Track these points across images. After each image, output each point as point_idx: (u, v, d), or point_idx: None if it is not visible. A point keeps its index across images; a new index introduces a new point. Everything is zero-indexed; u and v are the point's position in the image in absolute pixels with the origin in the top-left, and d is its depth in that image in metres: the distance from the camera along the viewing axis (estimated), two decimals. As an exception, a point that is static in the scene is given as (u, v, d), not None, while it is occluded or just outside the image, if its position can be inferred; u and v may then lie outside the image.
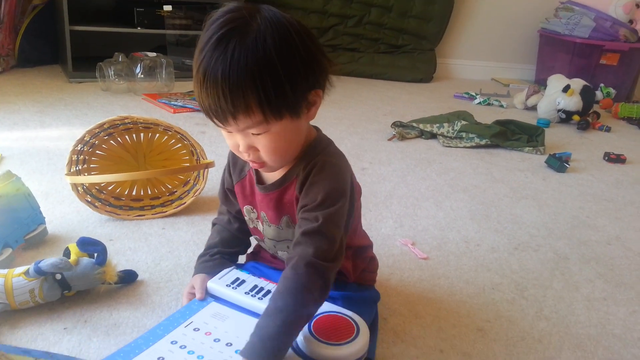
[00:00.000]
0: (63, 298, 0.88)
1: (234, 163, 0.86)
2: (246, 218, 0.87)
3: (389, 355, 0.84)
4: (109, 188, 1.26)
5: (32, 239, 1.04)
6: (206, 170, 1.27)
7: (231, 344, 0.73)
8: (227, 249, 0.91)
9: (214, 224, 0.96)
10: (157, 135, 1.30)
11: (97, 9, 2.83)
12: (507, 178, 1.75)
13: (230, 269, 0.86)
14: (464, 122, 2.12)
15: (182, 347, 0.72)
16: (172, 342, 0.73)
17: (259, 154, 0.72)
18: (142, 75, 2.41)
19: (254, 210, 0.85)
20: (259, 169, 0.77)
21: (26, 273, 0.83)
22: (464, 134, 2.08)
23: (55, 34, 2.70)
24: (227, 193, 0.90)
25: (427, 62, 3.46)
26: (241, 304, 0.80)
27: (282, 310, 0.68)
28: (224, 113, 0.66)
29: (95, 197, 1.22)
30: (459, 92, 3.10)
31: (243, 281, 0.83)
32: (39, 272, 0.83)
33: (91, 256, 0.90)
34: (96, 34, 2.59)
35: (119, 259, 1.03)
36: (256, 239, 0.91)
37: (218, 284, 0.82)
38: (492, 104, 2.93)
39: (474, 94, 3.04)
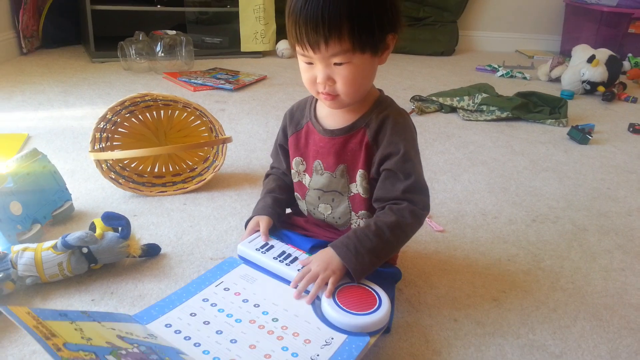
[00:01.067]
0: (90, 271, 0.92)
1: (291, 118, 0.92)
2: (293, 171, 0.92)
3: (404, 324, 0.86)
4: (132, 165, 1.30)
5: (59, 215, 1.08)
6: (225, 146, 1.30)
7: (258, 305, 0.76)
8: (283, 195, 0.96)
9: (267, 175, 1.01)
10: (177, 112, 1.32)
11: (117, -12, 2.85)
12: (528, 150, 1.74)
13: (258, 234, 0.89)
14: (484, 95, 2.10)
15: (213, 304, 0.76)
16: (203, 300, 0.76)
17: (335, 86, 0.78)
18: (162, 54, 2.43)
19: (304, 162, 0.89)
20: (330, 102, 0.81)
21: (54, 247, 0.87)
22: (484, 107, 2.06)
23: (78, 14, 2.73)
24: (278, 150, 0.96)
25: (448, 35, 3.41)
26: (269, 268, 0.83)
27: (379, 236, 0.78)
28: (318, 38, 0.73)
29: (119, 174, 1.25)
30: (481, 65, 3.05)
31: (272, 246, 0.85)
32: (67, 245, 0.87)
33: (115, 230, 0.93)
34: (117, 13, 2.62)
35: (143, 234, 1.06)
36: (297, 197, 0.94)
37: (248, 247, 0.85)
38: (515, 76, 2.88)
39: (496, 66, 2.99)
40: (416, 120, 1.97)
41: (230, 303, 0.76)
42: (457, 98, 2.11)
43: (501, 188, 1.44)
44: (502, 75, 2.88)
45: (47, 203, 1.05)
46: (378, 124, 0.82)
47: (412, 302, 0.93)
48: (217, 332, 0.70)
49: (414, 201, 0.81)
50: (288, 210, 1.01)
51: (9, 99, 1.87)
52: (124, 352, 0.59)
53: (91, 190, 1.24)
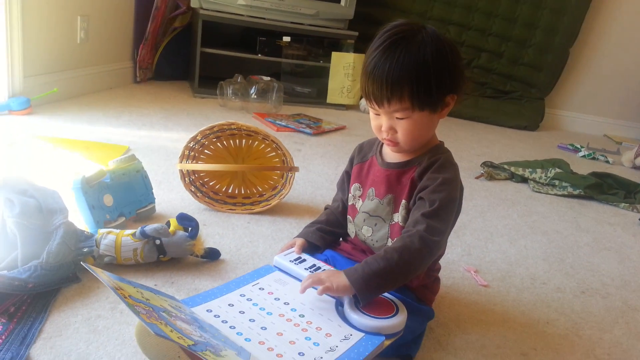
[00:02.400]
0: (158, 261, 1.05)
1: (360, 150, 1.05)
2: (350, 195, 1.02)
3: (427, 359, 0.91)
4: (210, 183, 1.45)
5: (142, 214, 1.23)
6: (292, 177, 1.42)
7: (288, 303, 0.85)
8: (328, 227, 1.06)
9: (325, 208, 1.11)
10: (256, 142, 1.47)
11: (226, 35, 3.17)
12: (594, 229, 1.72)
13: (291, 250, 0.99)
14: (558, 170, 2.10)
15: (249, 299, 0.86)
16: (240, 295, 0.86)
17: (396, 135, 0.90)
18: (255, 96, 2.66)
19: (361, 188, 1.00)
20: (392, 147, 0.93)
21: (133, 234, 1.02)
22: (557, 182, 2.06)
23: (188, 54, 3.06)
24: (344, 177, 1.07)
25: (534, 111, 3.42)
26: (299, 276, 0.92)
27: (387, 260, 0.83)
28: (382, 97, 0.85)
29: (198, 188, 1.41)
30: (564, 143, 3.03)
31: (304, 260, 0.95)
32: (144, 234, 1.00)
33: (186, 230, 1.07)
34: (222, 57, 2.90)
35: (208, 241, 1.19)
36: (348, 219, 1.03)
37: (283, 259, 0.95)
38: (598, 158, 2.83)
39: (579, 146, 2.96)
40: (484, 185, 2.02)
41: (263, 299, 0.86)
42: (530, 169, 2.13)
43: (557, 258, 1.44)
44: (584, 156, 2.84)
45: (134, 201, 1.22)
46: (428, 164, 0.91)
47: (440, 341, 0.97)
48: (250, 320, 0.80)
49: (426, 226, 0.85)
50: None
51: (118, 117, 2.14)
52: (174, 314, 0.70)
53: (172, 199, 1.40)
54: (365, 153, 1.03)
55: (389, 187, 0.94)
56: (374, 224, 0.96)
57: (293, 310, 0.84)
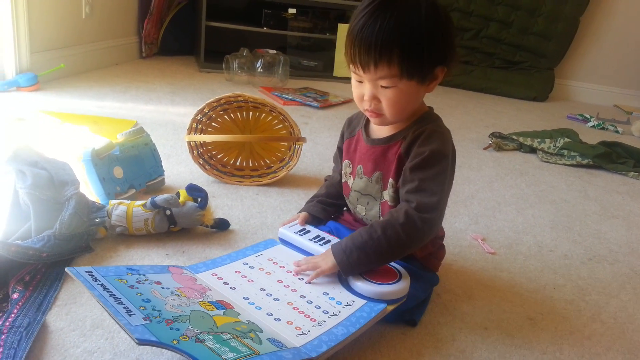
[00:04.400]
0: (169, 232, 1.07)
1: (349, 124, 1.02)
2: (342, 172, 1.01)
3: (434, 323, 0.92)
4: (219, 156, 1.46)
5: (152, 186, 1.25)
6: (300, 149, 1.43)
7: (292, 272, 0.88)
8: (329, 199, 1.06)
9: (325, 180, 1.11)
10: (264, 115, 1.47)
11: (231, 8, 3.14)
12: (602, 197, 1.72)
13: (295, 222, 1.00)
14: (567, 140, 2.09)
15: (251, 267, 0.89)
16: (244, 264, 0.88)
17: (380, 105, 0.84)
18: (261, 70, 2.65)
19: (351, 165, 0.98)
20: (375, 119, 0.88)
21: (144, 205, 1.03)
22: (565, 152, 2.05)
23: (193, 28, 3.04)
24: (337, 153, 1.05)
25: (543, 81, 3.38)
26: (304, 247, 0.94)
27: (370, 234, 0.82)
28: (369, 60, 0.79)
29: (206, 161, 1.42)
30: (573, 114, 3.00)
31: (308, 231, 0.96)
32: (154, 205, 1.02)
33: (196, 201, 1.08)
34: (227, 30, 2.88)
35: (217, 212, 1.20)
36: (344, 195, 1.03)
37: (288, 230, 0.96)
38: (607, 128, 2.81)
39: (588, 116, 2.93)
40: (492, 155, 2.01)
41: (267, 268, 0.88)
42: (538, 139, 2.12)
43: (564, 227, 1.44)
44: (594, 126, 2.82)
45: (144, 174, 1.23)
46: (413, 137, 0.86)
47: (447, 306, 0.98)
48: (259, 288, 0.82)
49: (414, 202, 0.82)
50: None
51: (125, 92, 2.14)
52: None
53: (181, 172, 1.42)
54: (354, 127, 0.99)
55: (375, 164, 0.92)
56: (366, 203, 0.96)
57: (298, 279, 0.85)
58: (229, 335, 0.67)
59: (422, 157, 0.84)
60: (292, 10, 2.98)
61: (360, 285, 0.82)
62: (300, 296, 0.81)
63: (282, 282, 0.85)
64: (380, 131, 0.93)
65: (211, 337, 0.65)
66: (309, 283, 0.84)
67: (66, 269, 0.73)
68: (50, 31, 2.13)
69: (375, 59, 0.79)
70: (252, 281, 0.84)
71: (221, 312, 0.73)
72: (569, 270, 1.20)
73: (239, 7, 3.22)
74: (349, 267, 0.83)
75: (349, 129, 1.01)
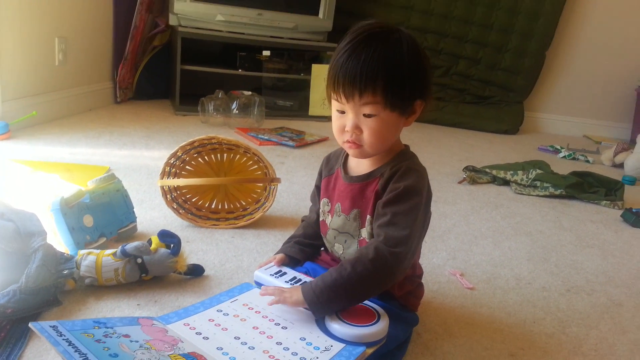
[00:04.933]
0: (140, 281, 1.04)
1: (327, 162, 1.02)
2: (320, 211, 1.00)
3: (415, 363, 0.90)
4: (193, 200, 1.44)
5: (123, 233, 1.22)
6: (275, 189, 1.42)
7: (267, 317, 0.86)
8: (306, 240, 1.05)
9: (302, 220, 1.10)
10: (238, 156, 1.47)
11: (206, 51, 3.17)
12: (576, 227, 1.74)
13: (271, 264, 0.98)
14: (539, 171, 2.12)
15: (225, 314, 0.86)
16: (218, 311, 0.86)
17: (361, 136, 0.85)
18: (236, 111, 2.66)
19: (329, 203, 0.98)
20: (354, 150, 0.88)
21: (114, 254, 1.00)
22: (538, 183, 2.08)
23: (168, 72, 3.05)
24: (315, 191, 1.05)
25: (513, 115, 3.46)
26: None
27: (340, 272, 0.81)
28: (354, 89, 0.81)
29: (180, 205, 1.40)
30: (544, 145, 3.07)
31: (284, 273, 0.94)
32: (125, 253, 0.99)
33: (168, 247, 1.06)
34: (202, 74, 2.90)
35: (192, 257, 1.18)
36: (322, 235, 1.02)
37: (263, 273, 0.94)
38: (578, 158, 2.87)
39: (559, 147, 3.00)
40: (467, 189, 2.03)
41: (242, 315, 0.86)
42: (511, 172, 2.15)
43: (541, 258, 1.45)
44: (565, 157, 2.88)
45: (115, 221, 1.20)
46: (390, 174, 0.87)
47: (428, 346, 0.97)
48: (233, 337, 0.80)
49: (384, 237, 0.82)
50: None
51: (98, 138, 2.12)
52: None
53: (155, 218, 1.39)
54: (332, 165, 0.99)
55: (353, 201, 0.92)
56: (344, 241, 0.95)
57: (274, 324, 0.83)
58: None
59: (396, 192, 0.85)
60: (266, 52, 3.02)
61: (338, 327, 0.81)
62: (277, 343, 0.79)
63: (257, 328, 0.82)
64: (358, 168, 0.94)
65: None
66: (270, 304, 0.85)
67: (30, 324, 0.70)
68: (22, 79, 2.12)
69: (360, 89, 0.81)
70: (227, 329, 0.82)
71: None
72: (547, 303, 1.19)
73: (214, 51, 3.25)
74: (319, 307, 0.82)
75: (327, 167, 1.01)
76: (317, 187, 1.04)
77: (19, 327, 0.86)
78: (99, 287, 1.01)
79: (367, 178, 0.91)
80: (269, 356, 0.75)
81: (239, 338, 0.80)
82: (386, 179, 0.88)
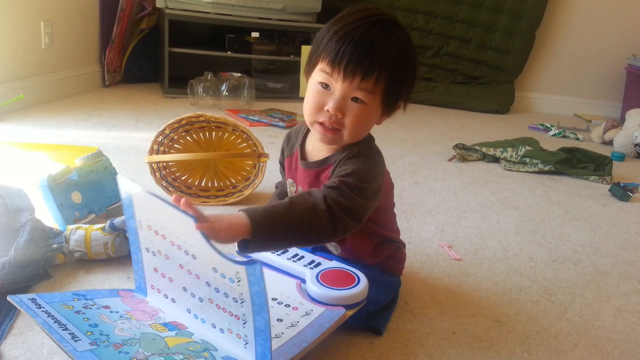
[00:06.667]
0: (130, 254, 1.04)
1: (288, 141, 0.98)
2: (287, 190, 0.99)
3: (402, 330, 0.92)
4: (182, 178, 1.44)
5: (112, 210, 1.22)
6: (264, 166, 1.42)
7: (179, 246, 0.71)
8: None
9: (276, 187, 1.09)
10: (227, 134, 1.47)
11: (194, 34, 3.15)
12: (564, 202, 1.75)
13: None
14: (528, 148, 2.13)
15: (154, 253, 0.75)
16: (146, 250, 0.77)
17: (342, 120, 0.81)
18: (226, 93, 2.65)
19: (294, 184, 0.97)
20: (327, 135, 0.82)
21: (103, 228, 1.01)
22: (527, 159, 2.09)
23: (157, 55, 3.03)
24: (280, 168, 1.03)
25: (504, 94, 3.47)
26: (267, 261, 0.92)
27: (287, 209, 0.72)
28: (358, 69, 0.77)
29: (169, 183, 1.40)
30: (534, 124, 3.08)
31: None
32: (113, 227, 1.00)
33: (156, 222, 1.06)
34: (191, 56, 2.88)
35: (181, 233, 1.18)
36: None
37: None
38: (568, 136, 2.89)
39: (549, 125, 3.01)
40: (457, 166, 2.04)
41: (160, 245, 0.73)
42: (501, 149, 2.16)
43: (528, 230, 1.47)
44: (555, 135, 2.90)
45: (104, 198, 1.21)
46: (341, 158, 0.85)
47: (415, 313, 0.98)
48: (182, 288, 0.74)
49: (325, 191, 0.76)
50: None
51: (87, 120, 2.12)
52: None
53: (143, 196, 1.39)
54: (292, 144, 0.96)
55: (310, 187, 0.89)
56: None
57: (273, 299, 0.84)
58: (181, 356, 0.65)
59: (346, 173, 0.81)
60: (255, 34, 3.00)
61: (318, 291, 0.82)
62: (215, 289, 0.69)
63: (183, 267, 0.70)
64: (314, 153, 0.91)
65: (162, 358, 0.63)
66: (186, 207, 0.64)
67: (8, 298, 0.71)
68: (8, 62, 2.10)
69: (365, 71, 0.77)
70: (172, 279, 0.74)
71: (173, 333, 0.71)
72: (534, 272, 1.21)
73: (202, 33, 3.23)
74: (260, 237, 0.69)
75: (288, 146, 0.97)
76: (281, 164, 1.01)
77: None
78: (88, 261, 1.01)
79: (322, 164, 0.88)
80: (229, 313, 0.68)
81: (186, 289, 0.72)
82: (337, 163, 0.85)
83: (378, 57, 0.77)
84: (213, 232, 0.64)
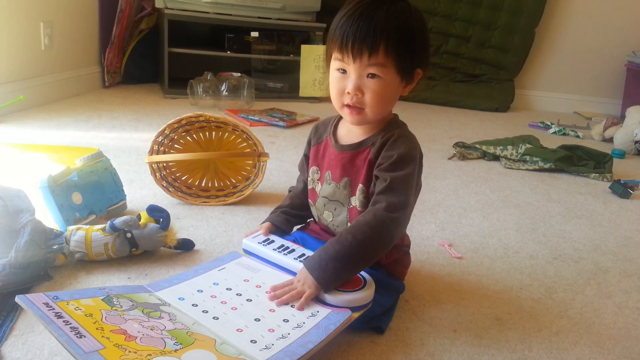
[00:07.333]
0: (131, 255, 1.04)
1: (316, 131, 1.02)
2: (309, 179, 1.01)
3: (403, 329, 0.92)
4: (183, 178, 1.44)
5: (113, 211, 1.23)
6: (264, 166, 1.42)
7: (260, 286, 0.86)
8: (293, 210, 1.06)
9: (289, 191, 1.11)
10: (227, 134, 1.47)
11: (193, 34, 3.15)
12: (565, 199, 1.75)
13: (258, 232, 0.99)
14: (528, 146, 2.13)
15: (215, 283, 0.87)
16: (207, 279, 0.88)
17: (362, 99, 0.85)
18: (226, 93, 2.65)
19: (319, 171, 0.98)
20: (353, 116, 0.88)
21: (103, 229, 1.01)
22: (527, 157, 2.09)
23: (157, 56, 3.03)
24: (304, 160, 1.05)
25: (504, 92, 3.47)
26: (268, 257, 0.93)
27: (341, 242, 0.82)
28: (364, 47, 0.81)
29: (170, 183, 1.40)
30: (534, 122, 3.08)
31: (272, 241, 0.95)
32: (114, 228, 1.00)
33: (157, 222, 1.06)
34: (191, 56, 2.88)
35: (182, 233, 1.18)
36: (310, 203, 1.02)
37: (251, 241, 0.96)
38: (568, 134, 2.89)
39: (549, 123, 3.01)
40: (457, 164, 2.04)
41: (231, 282, 0.87)
42: (501, 147, 2.16)
43: (529, 228, 1.46)
44: (555, 132, 2.89)
45: (104, 199, 1.21)
46: (382, 142, 0.89)
47: (416, 312, 0.98)
48: (220, 302, 0.81)
49: (386, 204, 0.84)
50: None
51: (87, 121, 2.12)
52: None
53: (144, 196, 1.39)
54: (321, 134, 1.00)
55: (344, 170, 0.92)
56: (333, 209, 0.96)
57: (261, 290, 0.84)
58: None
59: (390, 160, 0.86)
60: (254, 34, 3.00)
61: (331, 296, 0.82)
62: (270, 308, 0.80)
63: (241, 295, 0.83)
64: (349, 137, 0.94)
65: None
66: (302, 309, 0.80)
67: (16, 299, 0.71)
68: (8, 64, 2.10)
69: (371, 47, 0.81)
70: (215, 296, 0.83)
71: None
72: (535, 270, 1.21)
73: (202, 33, 3.23)
74: (327, 282, 0.82)
75: (316, 136, 1.01)
76: (306, 156, 1.04)
77: (9, 300, 0.86)
78: (89, 262, 1.01)
79: (358, 147, 0.92)
80: (255, 319, 0.77)
81: (226, 303, 0.81)
82: (378, 147, 0.89)
83: (380, 30, 0.81)
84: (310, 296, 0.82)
